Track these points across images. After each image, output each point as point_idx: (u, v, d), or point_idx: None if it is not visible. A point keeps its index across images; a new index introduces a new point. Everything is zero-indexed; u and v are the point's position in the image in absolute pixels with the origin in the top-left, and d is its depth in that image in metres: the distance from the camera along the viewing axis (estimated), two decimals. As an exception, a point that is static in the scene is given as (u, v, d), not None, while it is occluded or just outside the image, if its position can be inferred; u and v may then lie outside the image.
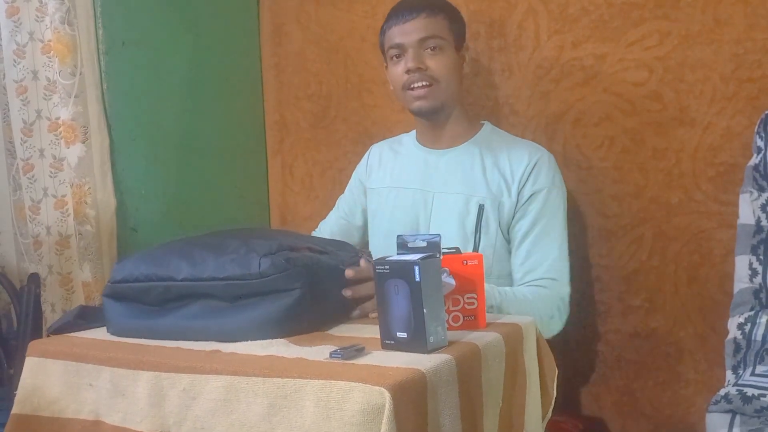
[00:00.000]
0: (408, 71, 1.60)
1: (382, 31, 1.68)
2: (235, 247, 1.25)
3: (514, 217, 1.61)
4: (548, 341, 1.37)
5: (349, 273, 1.33)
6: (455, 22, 1.65)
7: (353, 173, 1.92)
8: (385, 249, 1.71)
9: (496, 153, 1.65)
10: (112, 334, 1.34)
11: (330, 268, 1.31)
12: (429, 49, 1.60)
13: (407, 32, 1.59)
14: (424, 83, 1.60)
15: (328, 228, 1.92)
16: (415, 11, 1.59)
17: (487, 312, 1.28)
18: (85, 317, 1.47)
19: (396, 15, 1.62)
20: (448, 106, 1.65)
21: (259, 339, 1.20)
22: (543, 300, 1.53)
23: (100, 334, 1.37)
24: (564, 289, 1.57)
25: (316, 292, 1.24)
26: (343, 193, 1.95)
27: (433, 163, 1.71)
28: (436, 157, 1.71)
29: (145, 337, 1.28)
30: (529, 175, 1.60)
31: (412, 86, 1.61)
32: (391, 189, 1.76)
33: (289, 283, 1.21)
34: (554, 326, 1.54)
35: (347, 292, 1.32)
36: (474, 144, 1.68)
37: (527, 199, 1.60)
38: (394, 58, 1.64)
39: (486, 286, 1.35)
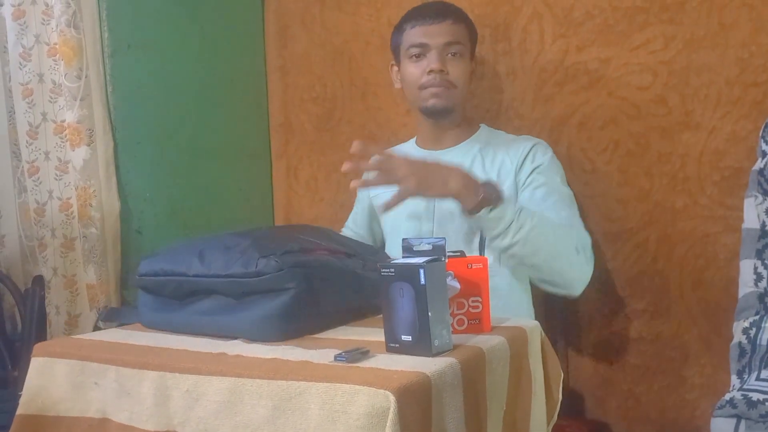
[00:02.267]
0: (430, 71, 1.63)
1: (400, 30, 1.69)
2: (244, 246, 1.28)
3: (518, 195, 1.62)
4: (552, 344, 1.37)
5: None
6: (472, 32, 1.71)
7: (360, 192, 1.93)
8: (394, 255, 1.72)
9: (494, 149, 1.69)
10: (143, 324, 1.43)
11: (337, 270, 1.32)
12: (451, 54, 1.64)
13: (433, 34, 1.63)
14: (442, 86, 1.64)
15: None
16: (442, 16, 1.64)
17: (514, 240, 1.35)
18: (119, 317, 1.53)
19: (421, 16, 1.66)
20: (456, 109, 1.70)
21: (258, 337, 1.23)
22: (567, 231, 1.50)
23: (106, 335, 1.38)
24: (584, 234, 1.54)
25: (312, 294, 1.25)
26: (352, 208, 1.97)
27: None
28: (435, 157, 1.70)
29: (165, 329, 1.36)
30: (525, 157, 1.64)
31: (430, 85, 1.64)
32: (391, 194, 1.75)
33: (284, 283, 1.23)
34: (582, 265, 1.50)
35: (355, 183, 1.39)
36: (473, 143, 1.73)
37: (528, 175, 1.62)
38: (414, 57, 1.66)
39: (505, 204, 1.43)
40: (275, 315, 1.23)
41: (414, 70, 1.66)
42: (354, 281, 1.34)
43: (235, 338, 1.25)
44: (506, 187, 1.61)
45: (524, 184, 1.63)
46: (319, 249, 1.33)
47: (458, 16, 1.67)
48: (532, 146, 1.65)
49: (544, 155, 1.65)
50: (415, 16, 1.67)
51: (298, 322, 1.25)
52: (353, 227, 1.94)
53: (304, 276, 1.24)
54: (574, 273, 1.51)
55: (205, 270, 1.28)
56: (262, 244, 1.27)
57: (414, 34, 1.65)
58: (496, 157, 1.67)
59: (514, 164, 1.64)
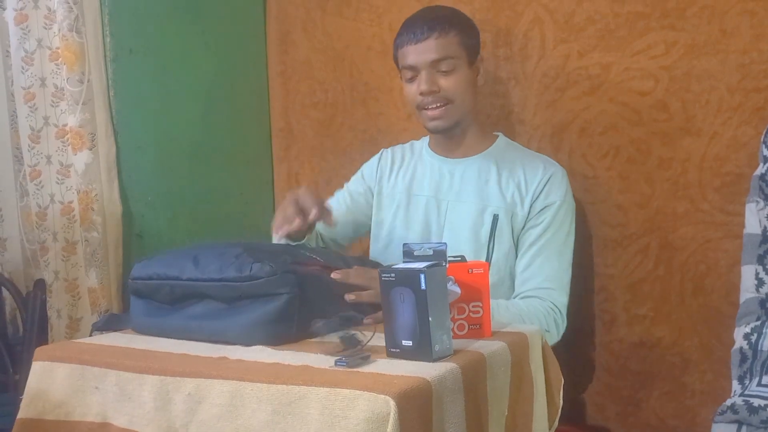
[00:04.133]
0: (422, 93, 1.60)
1: (396, 46, 1.67)
2: (238, 252, 1.28)
3: (524, 227, 1.63)
4: (552, 350, 1.37)
5: (336, 275, 1.35)
6: (468, 36, 1.63)
7: (358, 176, 1.88)
8: (394, 255, 1.72)
9: (511, 165, 1.67)
10: (134, 330, 1.41)
11: (329, 281, 1.34)
12: (441, 71, 1.60)
13: (420, 53, 1.59)
14: (438, 104, 1.61)
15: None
16: (428, 30, 1.58)
17: None
18: (111, 324, 1.54)
19: (408, 32, 1.61)
20: (463, 121, 1.67)
21: (248, 342, 1.23)
22: (538, 313, 1.53)
23: (106, 340, 1.38)
24: (559, 298, 1.57)
25: (305, 300, 1.25)
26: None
27: (447, 172, 1.72)
28: (450, 166, 1.72)
29: (157, 335, 1.35)
30: (542, 189, 1.62)
31: (426, 107, 1.62)
32: (403, 195, 1.76)
33: (278, 288, 1.23)
34: (550, 339, 1.53)
35: (350, 296, 1.34)
36: (489, 155, 1.70)
37: (538, 212, 1.62)
38: (408, 79, 1.64)
39: None
40: (267, 320, 1.23)
41: (409, 91, 1.65)
42: (347, 291, 1.35)
43: (226, 343, 1.25)
44: (518, 210, 1.62)
45: (532, 217, 1.62)
46: (312, 264, 1.34)
47: (446, 26, 1.60)
48: (550, 177, 1.63)
49: (558, 191, 1.62)
50: (404, 32, 1.63)
51: (290, 327, 1.24)
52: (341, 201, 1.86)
53: (297, 282, 1.25)
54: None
55: (198, 274, 1.29)
56: (255, 252, 1.28)
57: (404, 56, 1.63)
58: (513, 175, 1.65)
59: (530, 192, 1.62)
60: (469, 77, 1.64)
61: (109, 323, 1.57)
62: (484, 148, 1.71)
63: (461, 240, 1.63)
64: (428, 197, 1.71)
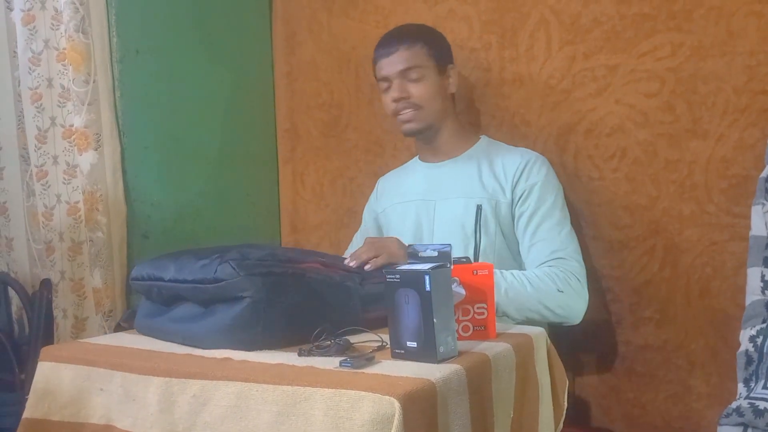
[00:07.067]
0: (394, 100, 1.74)
1: (373, 62, 1.79)
2: (217, 253, 1.27)
3: (513, 216, 1.68)
4: (558, 351, 1.37)
5: (349, 262, 1.44)
6: (434, 47, 1.75)
7: (365, 210, 1.98)
8: None
9: (491, 159, 1.75)
10: (136, 329, 1.45)
11: (316, 283, 1.28)
12: (411, 79, 1.72)
13: (390, 64, 1.73)
14: (409, 110, 1.73)
15: None
16: (395, 44, 1.73)
17: (497, 301, 1.32)
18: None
19: (381, 47, 1.76)
20: (435, 124, 1.77)
21: (216, 347, 1.23)
22: (548, 277, 1.56)
23: (112, 340, 1.39)
24: (573, 265, 1.60)
25: (272, 303, 1.21)
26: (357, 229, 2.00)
27: (433, 174, 1.81)
28: (435, 169, 1.81)
29: (150, 336, 1.39)
30: (521, 174, 1.69)
31: (399, 112, 1.75)
32: (396, 205, 1.85)
33: (239, 291, 1.21)
34: (572, 300, 1.56)
35: (368, 267, 1.44)
36: (471, 154, 1.79)
37: (521, 196, 1.68)
38: (384, 89, 1.77)
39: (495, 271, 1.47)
40: (230, 325, 1.21)
41: (385, 100, 1.77)
42: (340, 294, 1.31)
43: (201, 347, 1.25)
44: (501, 199, 1.69)
45: (518, 203, 1.68)
46: (311, 262, 1.31)
47: (413, 38, 1.72)
48: (527, 162, 1.70)
49: (538, 173, 1.69)
50: (378, 48, 1.77)
51: (254, 333, 1.21)
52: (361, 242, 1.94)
53: (263, 284, 1.21)
54: (565, 310, 1.56)
55: (177, 275, 1.29)
56: (235, 253, 1.25)
57: (379, 69, 1.76)
58: (493, 167, 1.73)
59: (509, 179, 1.69)
60: (437, 84, 1.74)
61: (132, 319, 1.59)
62: (467, 148, 1.79)
63: (450, 234, 1.70)
64: (417, 201, 1.79)
